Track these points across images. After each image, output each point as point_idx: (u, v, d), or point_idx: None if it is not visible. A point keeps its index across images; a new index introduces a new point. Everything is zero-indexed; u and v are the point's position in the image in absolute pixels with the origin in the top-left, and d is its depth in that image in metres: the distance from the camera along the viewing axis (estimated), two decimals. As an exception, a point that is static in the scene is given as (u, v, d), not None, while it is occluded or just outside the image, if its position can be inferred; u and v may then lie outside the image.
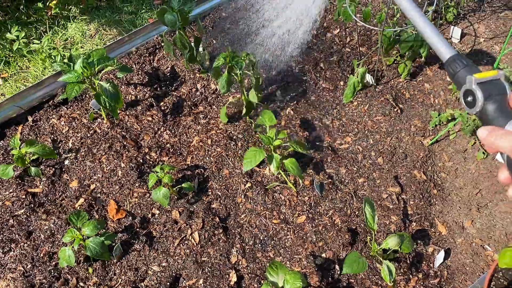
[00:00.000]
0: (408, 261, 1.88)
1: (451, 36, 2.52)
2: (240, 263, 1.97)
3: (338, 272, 1.89)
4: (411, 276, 1.85)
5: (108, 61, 2.18)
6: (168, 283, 1.93)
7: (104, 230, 2.06)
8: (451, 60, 0.82)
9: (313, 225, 2.02)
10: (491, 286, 1.26)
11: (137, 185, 2.19)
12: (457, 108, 2.23)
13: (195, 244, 2.02)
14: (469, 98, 0.76)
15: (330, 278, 1.88)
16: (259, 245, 2.01)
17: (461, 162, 2.10)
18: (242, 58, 2.05)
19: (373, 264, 1.88)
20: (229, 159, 2.25)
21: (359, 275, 1.87)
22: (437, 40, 0.88)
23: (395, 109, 2.31)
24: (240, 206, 2.12)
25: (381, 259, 1.69)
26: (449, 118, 2.16)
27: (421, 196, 2.04)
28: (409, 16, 0.95)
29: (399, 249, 1.72)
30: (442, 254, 1.85)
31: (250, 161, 1.93)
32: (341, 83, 2.49)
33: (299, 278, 1.61)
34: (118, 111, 2.44)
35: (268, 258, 1.96)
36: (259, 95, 2.25)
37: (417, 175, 2.10)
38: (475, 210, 1.98)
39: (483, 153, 2.06)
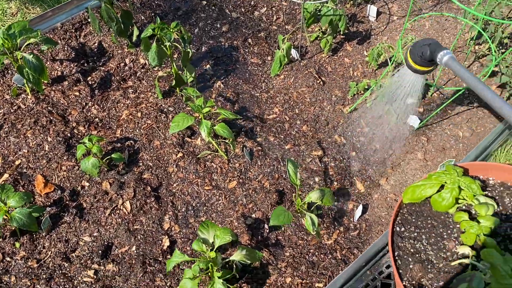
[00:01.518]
0: (331, 216, 2.02)
1: (368, 14, 2.71)
2: (172, 229, 2.02)
3: (267, 230, 2.00)
4: (333, 229, 1.99)
5: (31, 33, 2.13)
6: (100, 252, 1.93)
7: (31, 204, 2.02)
8: None
9: (244, 189, 2.11)
10: (398, 220, 1.42)
11: (65, 158, 2.16)
12: (373, 78, 2.42)
13: (126, 213, 2.03)
14: None
15: (260, 236, 1.98)
16: (192, 211, 2.07)
17: (376, 127, 2.28)
18: (171, 29, 2.09)
19: (298, 221, 2.00)
20: (159, 130, 2.28)
21: (287, 232, 1.99)
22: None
23: (318, 81, 2.45)
24: (172, 176, 2.16)
25: (305, 212, 1.81)
26: (366, 87, 2.33)
27: (341, 158, 2.20)
28: (478, 91, 1.27)
29: (321, 203, 1.85)
30: (360, 209, 2.01)
31: (178, 125, 1.98)
32: (269, 58, 2.60)
33: (228, 233, 1.70)
34: (44, 87, 2.38)
35: (201, 222, 2.02)
36: (190, 69, 2.30)
37: (337, 140, 2.26)
38: (390, 168, 2.16)
39: (396, 118, 2.26)
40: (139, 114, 2.33)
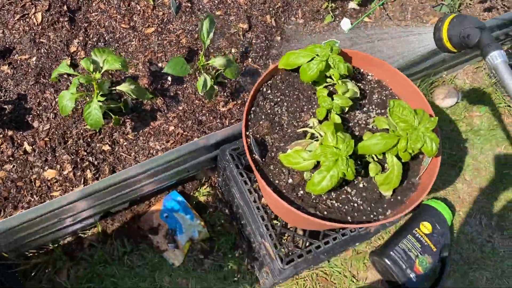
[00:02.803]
0: (234, 89, 2.06)
1: None
2: (78, 53, 2.02)
3: (169, 82, 2.03)
4: (231, 101, 2.04)
5: None
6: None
7: None
8: None
9: (159, 38, 2.10)
10: (268, 83, 1.46)
11: (-14, -49, 2.05)
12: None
13: (36, 24, 2.00)
14: None
15: (159, 85, 2.01)
16: (102, 43, 2.06)
17: (312, 20, 2.27)
18: None
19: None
20: (94, -45, 2.18)
21: (188, 89, 2.02)
22: None
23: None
24: (94, 4, 2.11)
25: (203, 72, 1.84)
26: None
27: (265, 38, 2.20)
28: None
29: (223, 71, 1.87)
30: (264, 88, 2.06)
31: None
32: None
33: (119, 61, 1.71)
34: None
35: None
36: None
37: (267, 20, 2.24)
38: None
39: (332, 16, 2.24)
40: None
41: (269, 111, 1.42)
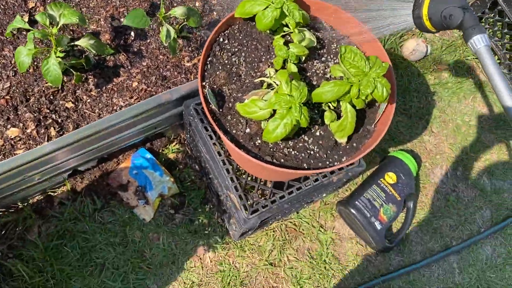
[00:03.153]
0: (197, 45, 2.04)
1: None
2: (37, 9, 1.96)
3: (132, 38, 1.99)
4: (195, 55, 2.02)
5: None
6: (-49, 8, 1.86)
7: None
8: None
9: (121, -8, 2.04)
10: (225, 33, 1.45)
11: None
12: None
13: (-10, -22, 1.93)
14: None
15: (122, 41, 1.98)
16: (62, 0, 2.00)
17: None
18: None
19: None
20: None
21: (152, 45, 1.99)
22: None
23: None
24: (51, -43, 2.03)
25: (165, 23, 1.80)
26: None
27: (230, -9, 2.16)
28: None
29: (186, 22, 1.84)
30: (229, 43, 2.04)
31: None
32: None
33: (76, 15, 1.66)
34: None
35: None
36: None
37: (232, -28, 2.19)
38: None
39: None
40: None
41: (226, 61, 1.41)
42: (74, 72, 1.80)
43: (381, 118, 1.39)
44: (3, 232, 1.91)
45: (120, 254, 1.97)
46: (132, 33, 2.00)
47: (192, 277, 1.99)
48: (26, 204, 1.97)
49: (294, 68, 1.34)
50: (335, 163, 1.34)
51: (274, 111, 1.29)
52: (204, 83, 1.36)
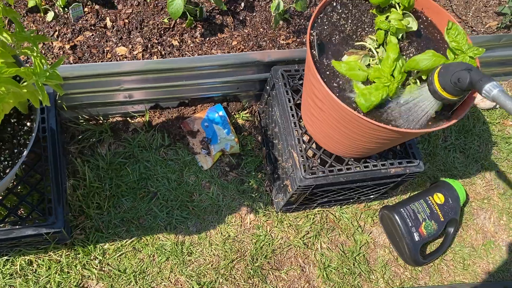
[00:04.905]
0: (295, 29, 2.24)
1: None
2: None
3: (241, 7, 2.23)
4: (291, 36, 2.22)
5: None
6: None
7: None
8: None
9: (243, -31, 2.30)
10: (339, 1, 1.64)
11: None
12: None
13: None
14: None
15: (232, 7, 2.22)
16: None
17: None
18: None
19: (270, 17, 2.22)
20: None
21: (255, 18, 2.22)
22: None
23: None
24: None
25: (277, -4, 2.03)
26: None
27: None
28: None
29: (294, 4, 2.06)
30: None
31: None
32: None
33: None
34: None
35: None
36: None
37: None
38: None
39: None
40: None
41: (334, 20, 1.59)
42: (188, 16, 2.04)
43: (458, 109, 1.50)
44: (79, 137, 2.10)
45: (172, 189, 2.11)
46: (243, 4, 2.24)
47: (230, 230, 2.09)
48: (106, 120, 2.16)
49: (394, 40, 1.50)
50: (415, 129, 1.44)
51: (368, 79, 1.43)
52: (312, 32, 1.54)
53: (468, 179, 2.49)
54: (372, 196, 2.18)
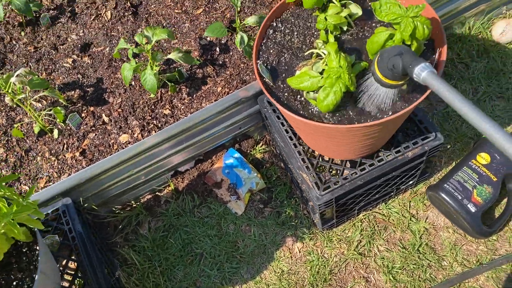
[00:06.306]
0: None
1: None
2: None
3: (218, 53, 2.27)
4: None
5: None
6: (80, 47, 2.36)
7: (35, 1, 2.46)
8: None
9: (207, 16, 2.37)
10: (279, 19, 1.61)
11: (68, -29, 2.54)
12: None
13: (107, 20, 2.41)
14: None
15: (209, 56, 2.27)
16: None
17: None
18: None
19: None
20: (149, -42, 2.55)
21: (233, 56, 2.25)
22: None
23: None
24: (152, -2, 2.47)
25: (239, 31, 2.05)
26: None
27: None
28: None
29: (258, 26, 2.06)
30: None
31: None
32: None
33: (165, 32, 2.00)
34: None
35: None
36: None
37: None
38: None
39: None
40: None
41: (279, 40, 1.57)
42: (169, 84, 2.12)
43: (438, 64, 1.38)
44: (120, 227, 2.24)
45: (216, 245, 2.15)
46: (217, 49, 2.28)
47: (282, 266, 2.08)
48: (138, 202, 2.29)
49: (331, 39, 1.44)
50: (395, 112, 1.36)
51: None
52: (258, 61, 1.53)
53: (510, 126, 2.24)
54: (411, 182, 2.05)
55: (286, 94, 1.48)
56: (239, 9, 2.05)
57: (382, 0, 1.31)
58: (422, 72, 1.11)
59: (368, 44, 1.38)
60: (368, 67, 1.42)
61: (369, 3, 1.58)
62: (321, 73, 1.40)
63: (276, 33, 1.59)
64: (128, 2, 2.43)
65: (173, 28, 2.38)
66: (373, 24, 1.52)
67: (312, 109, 1.45)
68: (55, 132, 2.16)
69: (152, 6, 2.45)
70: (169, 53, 2.10)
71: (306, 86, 1.41)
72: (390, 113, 1.38)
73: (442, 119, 2.29)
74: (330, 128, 1.36)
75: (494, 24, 2.44)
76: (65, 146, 2.15)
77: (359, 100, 1.40)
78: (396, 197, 2.14)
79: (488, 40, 2.44)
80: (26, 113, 2.22)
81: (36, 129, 2.15)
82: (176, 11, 2.41)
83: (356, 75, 1.40)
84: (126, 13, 2.41)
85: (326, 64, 1.39)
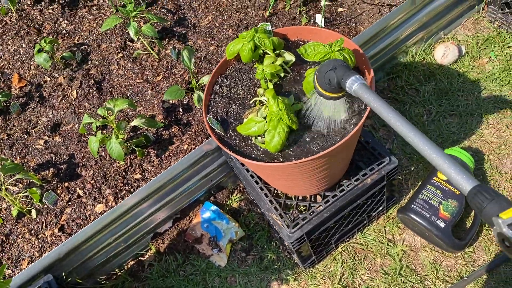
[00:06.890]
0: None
1: None
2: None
3: (181, 113, 2.39)
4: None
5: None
6: (51, 127, 2.46)
7: (5, 93, 2.59)
8: (473, 193, 0.78)
9: (167, 81, 2.51)
10: (224, 74, 1.74)
11: (34, 60, 2.70)
12: (295, -15, 2.65)
13: (73, 99, 2.54)
14: (507, 243, 0.69)
15: (173, 117, 2.39)
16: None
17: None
18: None
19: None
20: (107, 37, 2.73)
21: (197, 114, 2.36)
22: (454, 170, 0.84)
23: (250, -8, 2.73)
24: (114, 72, 2.62)
25: (196, 90, 2.18)
26: (284, -7, 2.58)
27: (252, 54, 2.50)
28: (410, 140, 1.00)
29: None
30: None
31: (107, 24, 2.40)
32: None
33: (126, 102, 2.12)
34: (26, 7, 2.92)
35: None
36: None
37: (251, 39, 2.55)
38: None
39: (306, 18, 2.49)
40: (94, 25, 2.79)
41: (226, 93, 1.69)
42: (137, 149, 2.22)
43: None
44: (107, 297, 2.24)
45: (203, 300, 2.16)
46: (180, 109, 2.40)
47: (270, 311, 2.08)
48: (122, 270, 2.31)
49: (270, 86, 1.56)
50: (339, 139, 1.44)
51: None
52: (208, 115, 1.63)
53: (473, 136, 2.35)
54: (380, 208, 2.11)
55: (237, 141, 1.58)
56: (193, 71, 2.19)
57: (306, 45, 1.45)
58: (353, 84, 1.16)
59: (304, 85, 1.50)
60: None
61: (305, 42, 1.71)
62: (265, 118, 1.51)
63: (223, 87, 1.71)
64: (92, 80, 2.58)
65: (137, 97, 2.51)
66: (308, 67, 1.65)
67: (265, 150, 1.54)
68: (33, 212, 2.22)
69: (115, 79, 2.59)
70: (133, 121, 2.21)
71: (254, 131, 1.50)
72: (339, 140, 1.47)
73: (402, 143, 2.39)
74: (277, 167, 1.44)
75: (435, 49, 2.61)
76: (44, 224, 2.19)
77: (309, 119, 1.48)
78: (370, 224, 2.19)
79: (432, 64, 2.60)
80: (4, 198, 2.28)
81: (14, 212, 2.20)
82: (138, 81, 2.55)
83: (297, 113, 1.50)
84: (91, 90, 2.54)
85: (268, 109, 1.50)
